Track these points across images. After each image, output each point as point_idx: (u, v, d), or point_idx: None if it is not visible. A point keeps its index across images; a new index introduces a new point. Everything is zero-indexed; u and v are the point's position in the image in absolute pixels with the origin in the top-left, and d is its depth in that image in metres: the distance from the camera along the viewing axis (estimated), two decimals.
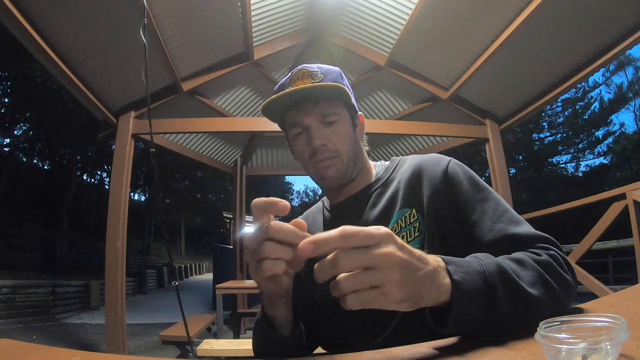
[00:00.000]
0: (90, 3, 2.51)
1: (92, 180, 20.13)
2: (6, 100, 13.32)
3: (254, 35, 3.60)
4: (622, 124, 33.74)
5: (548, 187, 18.38)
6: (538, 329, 0.35)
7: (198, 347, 2.54)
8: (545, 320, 0.36)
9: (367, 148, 0.85)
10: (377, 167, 0.85)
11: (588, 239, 2.71)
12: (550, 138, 21.01)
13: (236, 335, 4.12)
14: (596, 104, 19.78)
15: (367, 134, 0.87)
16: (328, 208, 0.86)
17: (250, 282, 3.88)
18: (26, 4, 2.29)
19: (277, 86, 0.77)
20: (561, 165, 21.59)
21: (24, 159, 15.32)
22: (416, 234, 0.69)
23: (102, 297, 4.40)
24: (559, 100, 17.30)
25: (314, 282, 0.77)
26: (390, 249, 0.40)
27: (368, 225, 0.41)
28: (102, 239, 3.66)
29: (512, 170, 20.30)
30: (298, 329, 0.64)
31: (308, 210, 0.92)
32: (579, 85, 17.87)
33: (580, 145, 20.49)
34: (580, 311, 0.54)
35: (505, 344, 0.43)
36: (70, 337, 5.82)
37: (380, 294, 0.40)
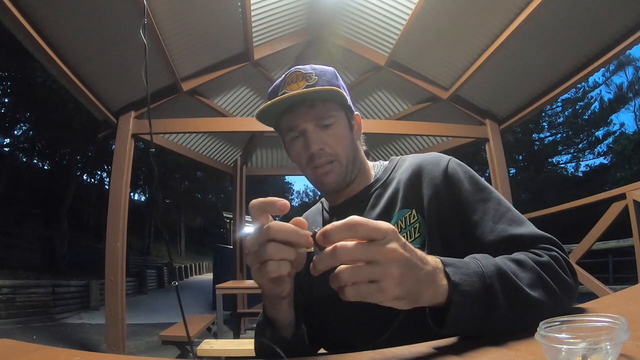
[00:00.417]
0: (90, 3, 2.51)
1: (92, 180, 20.13)
2: (6, 100, 13.32)
3: (254, 35, 3.60)
4: (622, 124, 33.81)
5: (548, 187, 18.38)
6: (538, 329, 0.35)
7: (198, 347, 2.54)
8: (545, 320, 0.36)
9: (364, 148, 0.84)
10: (376, 167, 0.84)
11: (588, 239, 2.71)
12: (550, 138, 21.02)
13: (236, 335, 4.12)
14: (596, 104, 19.82)
15: (366, 134, 0.86)
16: (327, 209, 0.86)
17: (250, 282, 3.88)
18: (26, 4, 2.29)
19: (270, 89, 0.76)
20: (561, 165, 21.62)
21: (24, 159, 15.31)
22: (416, 235, 0.69)
23: (102, 297, 4.40)
24: (559, 100, 17.30)
25: (314, 280, 0.77)
26: (393, 245, 0.40)
27: None
28: (102, 239, 3.66)
29: (512, 170, 20.30)
30: (300, 330, 0.64)
31: (308, 211, 0.92)
32: (579, 85, 17.87)
33: (580, 145, 20.50)
34: (580, 311, 0.54)
35: (505, 344, 0.43)
36: (70, 337, 5.82)
37: (378, 289, 0.40)
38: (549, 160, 21.14)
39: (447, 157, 0.75)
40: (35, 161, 16.69)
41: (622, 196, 2.44)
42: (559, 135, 20.81)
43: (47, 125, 12.80)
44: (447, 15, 3.10)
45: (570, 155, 21.06)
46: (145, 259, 17.93)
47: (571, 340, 0.31)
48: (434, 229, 0.68)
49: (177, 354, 3.39)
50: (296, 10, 3.78)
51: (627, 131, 19.29)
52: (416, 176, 0.73)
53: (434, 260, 0.46)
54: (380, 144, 5.65)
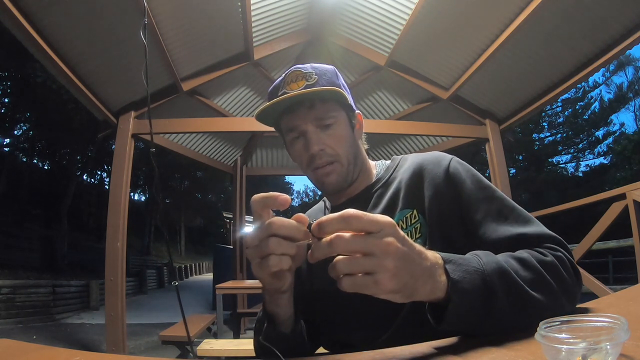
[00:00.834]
0: (90, 3, 2.51)
1: (92, 180, 20.15)
2: (6, 100, 13.33)
3: (254, 35, 3.60)
4: (622, 124, 33.75)
5: (548, 187, 18.37)
6: (538, 329, 0.34)
7: (198, 347, 2.54)
8: (545, 320, 0.36)
9: (366, 147, 0.84)
10: (377, 167, 0.84)
11: (588, 239, 2.71)
12: (550, 138, 21.02)
13: (236, 335, 4.12)
14: (596, 104, 19.82)
15: (367, 134, 0.85)
16: (329, 209, 0.85)
17: (250, 282, 3.88)
18: (26, 4, 2.29)
19: (270, 88, 0.76)
20: (561, 165, 21.61)
21: (24, 159, 15.31)
22: (418, 235, 0.69)
23: (102, 297, 4.40)
24: (559, 100, 17.30)
25: (315, 276, 0.77)
26: (389, 239, 0.41)
27: None
28: (102, 239, 3.66)
29: (512, 170, 20.30)
30: (299, 326, 0.64)
31: (310, 210, 0.91)
32: (579, 85, 17.86)
33: (580, 145, 20.49)
34: (580, 311, 0.54)
35: (505, 344, 0.43)
36: (70, 337, 5.82)
37: (373, 282, 0.40)
38: (549, 160, 21.14)
39: (448, 156, 0.74)
40: (35, 161, 16.70)
41: (622, 196, 2.44)
42: (559, 135, 20.81)
43: (47, 125, 12.81)
44: (447, 15, 3.10)
45: (570, 155, 21.07)
46: (145, 259, 17.94)
47: (571, 340, 0.31)
48: (435, 229, 0.68)
49: (177, 354, 3.39)
50: (296, 10, 3.78)
51: (627, 131, 19.33)
52: (417, 176, 0.73)
53: (433, 256, 0.46)
54: (380, 144, 5.65)
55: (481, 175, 0.70)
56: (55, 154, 16.22)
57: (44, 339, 5.39)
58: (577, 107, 19.93)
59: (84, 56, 2.85)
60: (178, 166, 18.79)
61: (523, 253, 0.55)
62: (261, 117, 0.74)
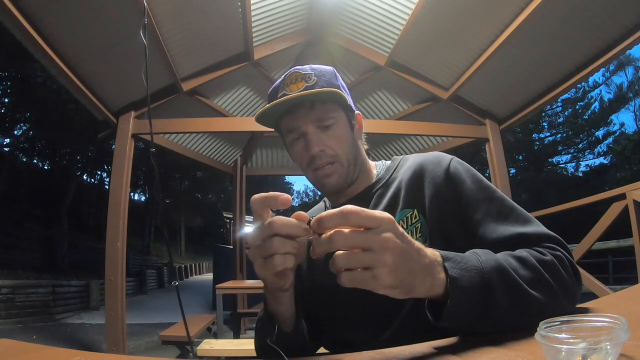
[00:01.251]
0: (90, 3, 2.51)
1: (92, 180, 20.14)
2: (6, 100, 13.34)
3: (254, 35, 3.60)
4: (622, 124, 33.78)
5: (548, 187, 18.36)
6: (538, 329, 0.34)
7: (198, 347, 2.54)
8: (545, 320, 0.36)
9: (366, 147, 0.84)
10: (378, 167, 0.84)
11: (588, 239, 2.71)
12: (550, 138, 21.01)
13: (236, 335, 4.12)
14: (596, 104, 19.80)
15: (367, 134, 0.86)
16: (329, 208, 0.86)
17: (250, 282, 3.88)
18: (26, 4, 2.29)
19: (270, 90, 0.76)
20: (561, 165, 21.60)
21: (24, 159, 15.31)
22: (418, 235, 0.69)
23: (102, 297, 4.40)
24: (559, 100, 17.29)
25: (315, 273, 0.77)
26: (388, 234, 0.41)
27: None
28: (102, 239, 3.66)
29: (512, 170, 20.30)
30: (300, 324, 0.64)
31: (310, 210, 0.91)
32: (579, 85, 17.86)
33: (580, 145, 20.48)
34: (580, 311, 0.54)
35: (505, 344, 0.43)
36: (70, 337, 5.82)
37: (371, 277, 0.40)
38: (549, 160, 21.13)
39: (449, 156, 0.75)
40: (35, 161, 16.70)
41: (622, 196, 2.44)
42: (559, 135, 20.81)
43: (47, 125, 12.81)
44: (447, 15, 3.10)
45: (570, 155, 21.06)
46: (145, 259, 17.93)
47: (571, 340, 0.31)
48: (435, 229, 0.68)
49: (177, 354, 3.39)
50: (296, 10, 3.78)
51: (627, 131, 19.32)
52: (418, 176, 0.73)
53: (432, 253, 0.47)
54: (380, 144, 5.65)
55: (481, 176, 0.71)
56: (55, 154, 16.21)
57: (44, 339, 5.39)
58: (577, 107, 19.93)
59: (84, 56, 2.85)
60: (178, 166, 18.79)
61: (522, 252, 0.55)
62: (261, 119, 0.74)
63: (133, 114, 3.51)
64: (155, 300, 11.05)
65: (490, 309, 0.47)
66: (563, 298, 0.52)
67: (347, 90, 0.78)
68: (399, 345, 0.49)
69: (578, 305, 0.56)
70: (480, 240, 0.63)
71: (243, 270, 5.52)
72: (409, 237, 0.44)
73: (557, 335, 0.32)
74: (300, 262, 0.50)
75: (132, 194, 17.62)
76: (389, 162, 0.84)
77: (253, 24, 3.43)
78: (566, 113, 20.25)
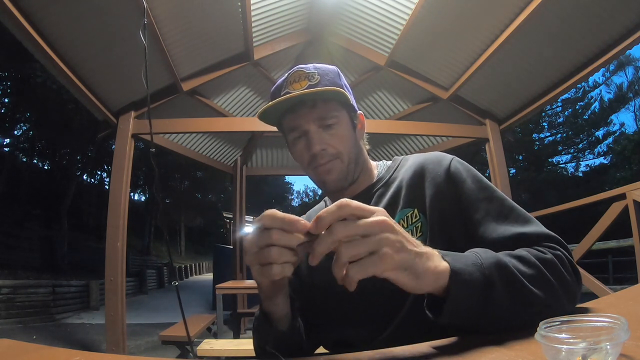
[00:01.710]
0: (90, 3, 2.51)
1: (92, 180, 20.12)
2: (6, 100, 13.33)
3: (254, 35, 3.60)
4: (622, 124, 33.80)
5: (548, 187, 18.36)
6: (538, 329, 0.34)
7: (198, 347, 2.54)
8: (545, 320, 0.36)
9: (367, 147, 0.85)
10: (379, 167, 0.84)
11: (588, 239, 2.71)
12: (550, 138, 21.01)
13: (236, 335, 4.12)
14: (596, 104, 19.81)
15: (367, 134, 0.86)
16: None
17: (250, 282, 3.88)
18: (26, 4, 2.29)
19: (273, 88, 0.76)
20: (561, 165, 21.60)
21: (24, 159, 15.31)
22: (418, 234, 0.69)
23: (102, 297, 4.40)
24: (559, 100, 17.30)
25: (314, 271, 0.77)
26: (383, 217, 0.43)
27: None
28: (102, 239, 3.66)
29: (512, 170, 20.29)
30: (296, 323, 0.64)
31: (311, 210, 0.92)
32: (579, 85, 17.86)
33: (580, 145, 20.48)
34: (580, 311, 0.54)
35: (505, 344, 0.43)
36: (70, 337, 5.82)
37: (379, 257, 0.41)
38: (549, 160, 21.13)
39: (449, 156, 0.75)
40: (35, 161, 16.69)
41: (622, 196, 2.44)
42: (559, 135, 20.81)
43: (47, 125, 12.80)
44: (447, 15, 3.10)
45: (570, 155, 21.06)
46: (145, 259, 17.93)
47: (571, 340, 0.31)
48: (435, 228, 0.68)
49: (177, 354, 3.39)
50: (296, 10, 3.78)
51: (627, 131, 19.32)
52: (419, 175, 0.73)
53: (428, 248, 0.48)
54: (380, 144, 5.65)
55: (481, 175, 0.71)
56: (55, 154, 16.20)
57: (44, 339, 5.39)
58: (577, 107, 19.93)
59: (84, 56, 2.85)
60: (178, 166, 18.78)
61: (522, 251, 0.55)
62: (263, 117, 0.75)
63: (133, 114, 3.51)
64: (155, 300, 11.05)
65: (490, 304, 0.47)
66: (563, 297, 0.52)
67: (350, 90, 0.78)
68: (399, 344, 0.49)
69: (578, 305, 0.56)
70: (480, 239, 0.63)
71: (243, 270, 5.52)
72: (402, 229, 0.45)
73: (557, 335, 0.32)
74: (298, 263, 0.50)
75: (132, 194, 17.61)
76: (390, 162, 0.84)
77: (253, 24, 3.43)
78: (566, 113, 20.25)
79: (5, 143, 14.17)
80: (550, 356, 0.32)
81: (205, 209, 27.27)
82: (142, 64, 2.18)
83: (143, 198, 24.48)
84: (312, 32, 4.12)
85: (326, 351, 0.78)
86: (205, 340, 2.72)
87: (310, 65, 0.74)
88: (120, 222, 3.24)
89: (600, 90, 26.19)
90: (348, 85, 0.79)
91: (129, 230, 3.34)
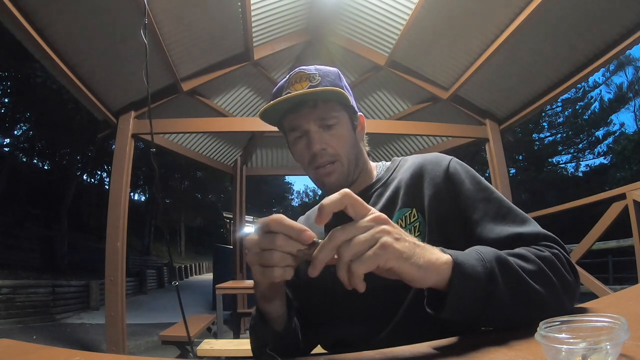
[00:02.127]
0: (90, 3, 2.51)
1: (92, 180, 20.12)
2: (6, 100, 13.32)
3: (254, 35, 3.60)
4: (622, 124, 33.80)
5: (548, 187, 18.37)
6: (538, 329, 0.35)
7: (198, 347, 2.54)
8: (545, 320, 0.36)
9: (367, 148, 0.85)
10: (378, 168, 0.85)
11: (588, 239, 2.71)
12: (550, 138, 21.00)
13: (236, 335, 4.13)
14: (596, 104, 19.79)
15: (367, 134, 0.86)
16: None
17: (250, 282, 3.88)
18: (26, 4, 2.29)
19: (275, 89, 0.77)
20: (561, 165, 21.59)
21: (24, 159, 15.31)
22: (417, 234, 0.69)
23: (102, 297, 4.40)
24: (559, 100, 17.29)
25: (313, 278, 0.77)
26: (378, 213, 0.44)
27: None
28: (102, 239, 3.66)
29: (512, 170, 20.29)
30: (292, 323, 0.65)
31: (310, 211, 0.92)
32: (579, 85, 17.86)
33: (580, 145, 20.48)
34: (580, 311, 0.54)
35: (505, 344, 0.43)
36: (70, 337, 5.82)
37: (380, 247, 0.41)
38: (549, 160, 21.13)
39: (448, 157, 0.75)
40: (35, 161, 16.70)
41: (622, 196, 2.44)
42: (559, 135, 20.80)
43: (47, 125, 12.79)
44: (447, 15, 3.10)
45: (570, 155, 21.05)
46: (145, 259, 17.93)
47: (571, 340, 0.31)
48: (434, 228, 0.68)
49: (177, 354, 3.39)
50: (296, 10, 3.78)
51: (627, 131, 19.32)
52: (417, 176, 0.74)
53: (427, 244, 0.48)
54: (380, 144, 5.65)
55: (480, 176, 0.71)
56: (55, 154, 16.21)
57: (44, 339, 5.39)
58: (577, 107, 19.92)
59: (84, 56, 2.85)
60: (178, 166, 18.78)
61: (520, 249, 0.55)
62: (264, 116, 0.75)
63: (133, 114, 3.51)
64: (155, 300, 11.05)
65: (492, 300, 0.47)
66: (563, 294, 0.53)
67: (351, 92, 0.79)
68: (398, 344, 0.49)
69: (578, 305, 0.57)
70: (478, 240, 0.64)
71: (243, 270, 5.52)
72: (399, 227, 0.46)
73: (557, 335, 0.32)
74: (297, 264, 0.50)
75: (132, 194, 17.62)
76: (388, 163, 0.85)
77: (253, 24, 3.43)
78: (566, 113, 20.25)
79: (5, 143, 14.19)
80: (550, 356, 0.32)
81: (205, 209, 27.27)
82: (142, 64, 2.17)
83: (143, 198, 24.50)
84: (312, 32, 4.12)
85: (324, 351, 0.78)
86: (205, 340, 2.72)
87: (311, 67, 0.75)
88: (120, 222, 3.24)
89: (600, 90, 26.20)
90: (349, 87, 0.79)
91: (129, 230, 3.34)
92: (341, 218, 0.44)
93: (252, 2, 3.18)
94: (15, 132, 14.26)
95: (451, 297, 0.45)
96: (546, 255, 0.54)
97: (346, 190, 0.43)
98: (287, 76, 0.75)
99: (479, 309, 0.47)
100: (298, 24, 4.02)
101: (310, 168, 0.75)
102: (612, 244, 5.22)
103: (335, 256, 0.42)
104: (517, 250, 0.55)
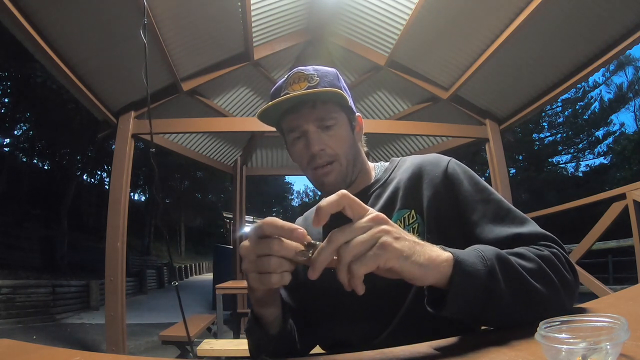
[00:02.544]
0: (90, 3, 2.51)
1: (92, 180, 20.12)
2: (6, 100, 13.33)
3: (254, 35, 3.60)
4: (622, 124, 33.80)
5: (548, 187, 18.38)
6: (538, 329, 0.35)
7: (198, 347, 2.54)
8: (545, 320, 0.36)
9: (365, 149, 0.85)
10: (376, 169, 0.84)
11: (588, 239, 2.71)
12: (550, 138, 21.01)
13: (236, 335, 4.13)
14: (596, 104, 19.81)
15: (367, 134, 0.86)
16: None
17: None
18: (26, 4, 2.29)
19: (273, 89, 0.77)
20: (561, 165, 21.60)
21: (24, 159, 15.31)
22: (415, 235, 0.69)
23: (102, 297, 4.40)
24: (559, 100, 17.30)
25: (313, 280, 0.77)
26: (376, 213, 0.44)
27: None
28: (102, 239, 3.66)
29: (512, 170, 20.30)
30: (287, 326, 0.64)
31: (308, 212, 0.92)
32: (579, 85, 17.87)
33: (580, 145, 20.49)
34: (580, 311, 0.54)
35: (505, 344, 0.43)
36: (70, 337, 5.82)
37: (379, 247, 0.41)
38: (549, 160, 21.13)
39: (447, 158, 0.75)
40: (35, 161, 16.69)
41: (622, 196, 2.44)
42: (559, 135, 20.81)
43: (47, 125, 12.80)
44: (447, 15, 3.10)
45: (570, 155, 21.06)
46: (145, 259, 17.93)
47: (571, 340, 0.31)
48: (433, 229, 0.68)
49: (177, 354, 3.39)
50: (296, 10, 3.78)
51: (627, 131, 19.33)
52: (416, 177, 0.74)
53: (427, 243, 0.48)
54: (380, 144, 5.65)
55: (479, 177, 0.71)
56: (55, 154, 16.21)
57: (44, 339, 5.39)
58: (577, 107, 19.93)
59: (84, 56, 2.85)
60: (178, 166, 18.78)
61: (520, 249, 0.56)
62: (263, 117, 0.75)
63: (133, 114, 3.51)
64: (155, 300, 11.05)
65: (492, 297, 0.47)
66: (563, 293, 0.53)
67: (349, 93, 0.79)
68: (398, 344, 0.49)
69: (578, 305, 0.57)
70: (477, 240, 0.64)
71: (243, 271, 5.51)
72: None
73: (557, 335, 0.32)
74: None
75: (132, 194, 17.62)
76: (387, 163, 0.85)
77: (253, 24, 3.43)
78: (566, 113, 20.25)
79: (5, 143, 14.20)
80: (550, 356, 0.32)
81: (205, 209, 27.28)
82: (142, 64, 2.18)
83: (143, 198, 24.50)
84: (312, 32, 4.12)
85: (323, 351, 0.78)
86: (205, 340, 2.72)
87: (309, 67, 0.74)
88: (120, 222, 3.24)
89: (600, 90, 26.20)
90: (347, 88, 0.79)
91: (129, 230, 3.34)
92: (339, 219, 0.44)
93: (252, 2, 3.18)
94: (15, 132, 14.28)
95: (452, 295, 0.45)
96: (546, 255, 0.54)
97: (343, 191, 0.43)
98: (286, 76, 0.74)
99: (479, 307, 0.47)
100: (298, 24, 4.02)
101: (309, 168, 0.75)
102: (612, 244, 5.22)
103: (335, 258, 0.42)
104: (517, 249, 0.55)
